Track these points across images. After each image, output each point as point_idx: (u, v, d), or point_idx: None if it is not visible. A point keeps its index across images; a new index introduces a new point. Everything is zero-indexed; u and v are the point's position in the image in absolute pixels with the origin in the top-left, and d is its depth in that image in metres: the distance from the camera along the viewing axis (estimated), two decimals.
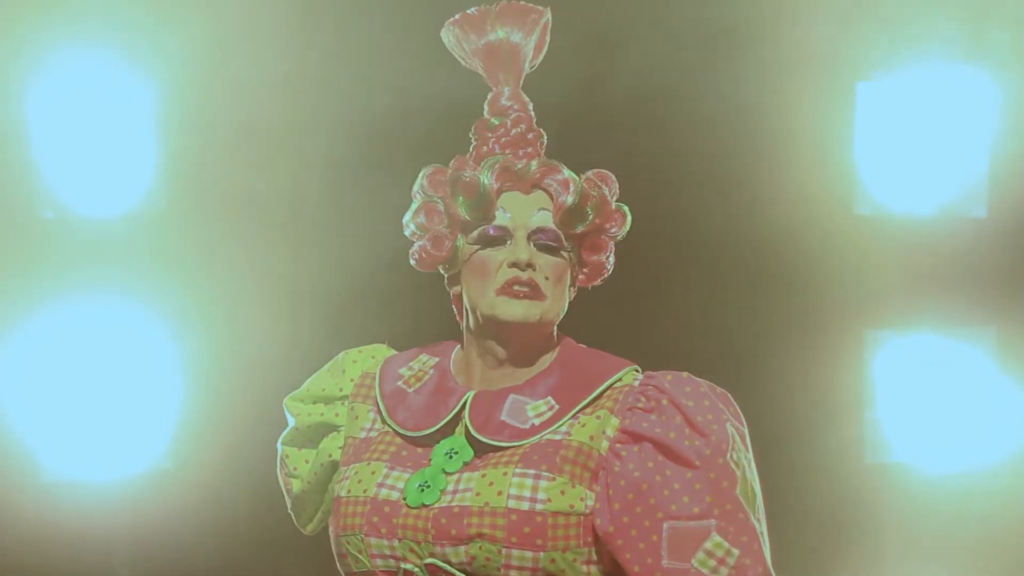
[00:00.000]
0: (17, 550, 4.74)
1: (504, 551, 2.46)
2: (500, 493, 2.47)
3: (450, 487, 2.51)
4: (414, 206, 2.65)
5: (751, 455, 2.57)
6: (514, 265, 2.56)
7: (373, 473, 2.57)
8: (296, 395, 2.78)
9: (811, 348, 4.98)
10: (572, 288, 2.64)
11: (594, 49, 4.72)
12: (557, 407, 2.55)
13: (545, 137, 2.68)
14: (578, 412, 2.55)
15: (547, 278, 2.57)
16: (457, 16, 2.68)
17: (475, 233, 2.60)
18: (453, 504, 2.49)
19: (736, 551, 2.45)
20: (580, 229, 2.60)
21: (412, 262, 2.69)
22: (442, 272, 2.69)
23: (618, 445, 2.51)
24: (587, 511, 2.49)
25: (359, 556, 2.55)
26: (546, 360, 2.62)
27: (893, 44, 4.90)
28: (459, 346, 2.71)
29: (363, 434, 2.66)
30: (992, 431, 5.03)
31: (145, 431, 4.85)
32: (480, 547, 2.46)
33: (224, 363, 4.80)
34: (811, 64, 4.85)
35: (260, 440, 4.82)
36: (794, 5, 4.82)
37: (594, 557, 2.50)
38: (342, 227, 4.82)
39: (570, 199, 2.58)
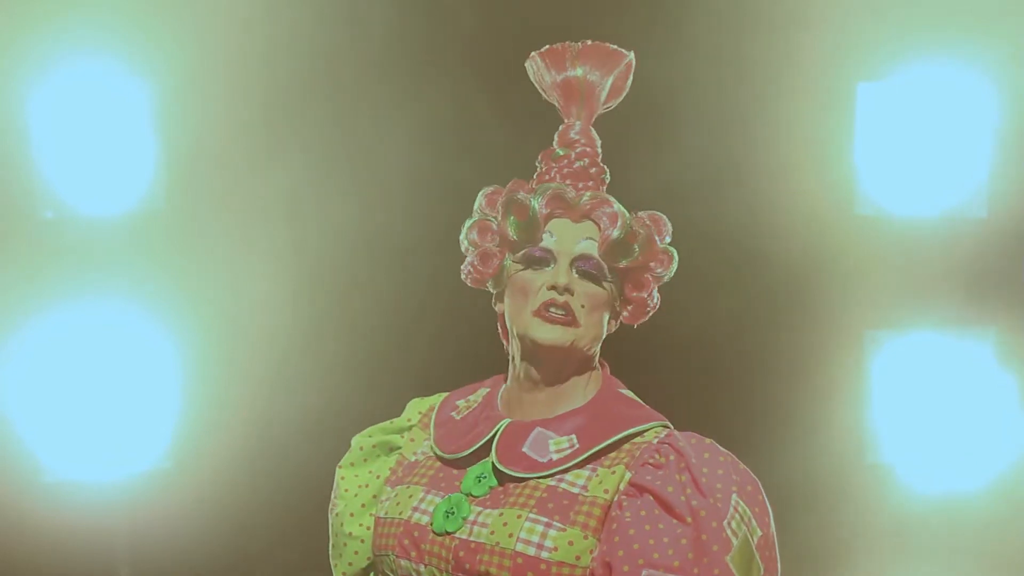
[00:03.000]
0: (17, 550, 4.74)
1: None
2: (511, 535, 2.53)
3: (471, 517, 2.58)
4: (469, 222, 2.72)
5: (766, 535, 2.56)
6: (552, 288, 2.61)
7: (411, 496, 2.66)
8: (364, 432, 2.86)
9: (811, 348, 4.98)
10: (613, 321, 2.69)
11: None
12: (577, 446, 2.60)
13: (608, 174, 2.72)
14: (597, 456, 2.59)
15: (583, 305, 2.61)
16: (543, 48, 2.73)
17: (521, 253, 2.65)
18: (471, 538, 2.56)
19: None
20: (624, 263, 2.64)
21: (462, 277, 2.74)
22: (490, 289, 2.73)
23: (623, 497, 2.55)
24: (593, 566, 2.53)
25: (390, 575, 2.64)
26: (583, 392, 2.67)
27: (893, 45, 4.89)
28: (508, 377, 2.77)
29: (413, 457, 2.75)
30: (992, 431, 5.03)
31: (145, 431, 4.85)
32: None
33: (224, 363, 4.81)
34: (811, 64, 4.85)
35: (260, 440, 4.85)
36: (795, 6, 4.82)
37: None
38: (342, 226, 4.82)
39: (616, 232, 2.62)
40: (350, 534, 2.76)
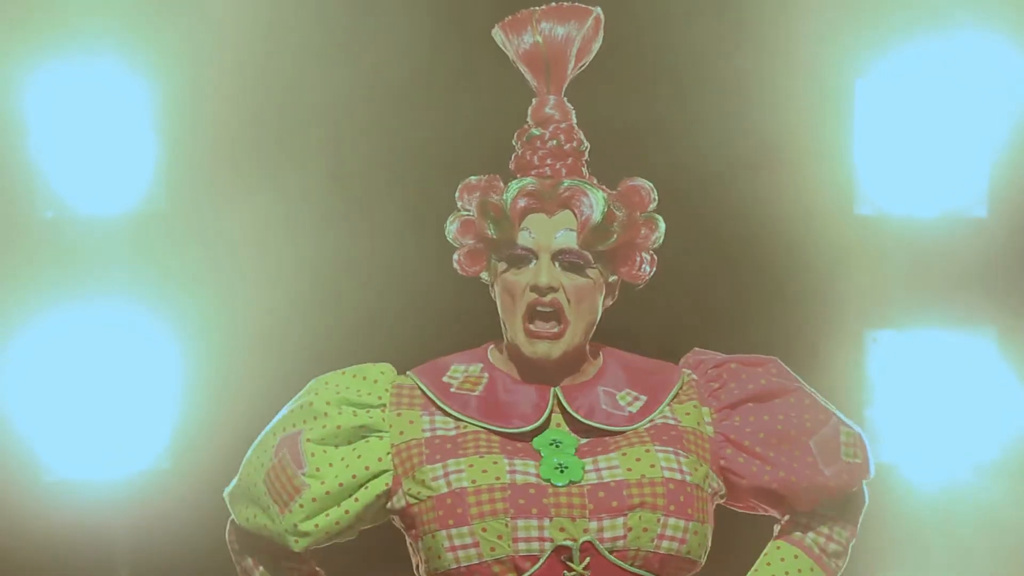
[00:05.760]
0: (18, 549, 4.74)
1: (662, 519, 2.50)
2: (653, 466, 2.53)
3: (590, 467, 2.54)
4: (452, 216, 2.68)
5: None
6: (535, 288, 2.57)
7: (496, 463, 2.54)
8: (324, 395, 2.65)
9: (811, 348, 4.97)
10: (609, 298, 2.66)
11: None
12: (644, 397, 2.62)
13: (586, 146, 2.67)
14: (668, 404, 2.64)
15: (570, 300, 2.58)
16: (506, 19, 2.68)
17: (503, 253, 2.61)
18: (607, 480, 2.53)
19: (855, 431, 2.66)
20: (605, 247, 2.61)
21: (455, 267, 2.70)
22: (484, 280, 2.69)
23: (724, 423, 2.62)
24: (710, 491, 2.59)
25: (498, 542, 2.50)
26: (592, 365, 2.66)
27: (892, 42, 4.89)
28: (492, 347, 2.70)
29: (427, 435, 2.59)
30: (992, 431, 5.03)
31: (145, 431, 4.85)
32: (639, 517, 2.50)
33: (224, 362, 4.81)
34: (809, 62, 4.84)
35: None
36: (793, 4, 4.82)
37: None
38: (343, 225, 4.82)
39: (593, 219, 2.58)
40: (327, 504, 2.60)
